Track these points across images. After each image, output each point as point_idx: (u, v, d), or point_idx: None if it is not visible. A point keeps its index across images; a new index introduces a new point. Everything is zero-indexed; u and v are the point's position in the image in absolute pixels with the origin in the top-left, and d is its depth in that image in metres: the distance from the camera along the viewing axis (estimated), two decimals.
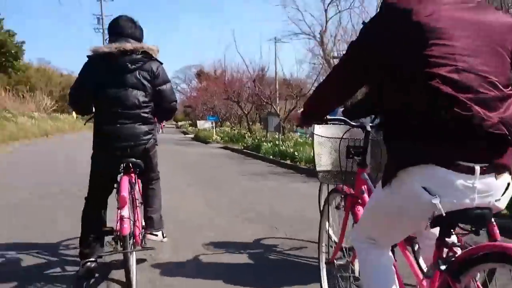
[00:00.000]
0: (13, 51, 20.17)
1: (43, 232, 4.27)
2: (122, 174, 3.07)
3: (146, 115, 3.16)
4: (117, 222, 2.78)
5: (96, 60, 3.12)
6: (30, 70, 30.31)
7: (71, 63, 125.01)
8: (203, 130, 24.26)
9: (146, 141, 3.14)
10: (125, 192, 2.87)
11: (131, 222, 2.86)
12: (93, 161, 3.17)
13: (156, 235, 3.27)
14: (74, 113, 16.34)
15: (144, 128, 3.14)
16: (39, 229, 4.41)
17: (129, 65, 3.09)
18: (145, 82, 3.13)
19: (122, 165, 3.05)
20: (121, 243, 2.77)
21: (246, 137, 17.48)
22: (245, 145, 15.19)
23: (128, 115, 3.07)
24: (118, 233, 2.79)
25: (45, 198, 6.09)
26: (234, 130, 23.28)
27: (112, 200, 3.10)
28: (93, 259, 2.99)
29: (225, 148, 16.57)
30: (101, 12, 42.99)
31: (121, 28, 3.23)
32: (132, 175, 3.12)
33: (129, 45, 3.11)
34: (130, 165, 3.06)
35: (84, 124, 4.27)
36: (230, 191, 6.98)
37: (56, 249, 3.78)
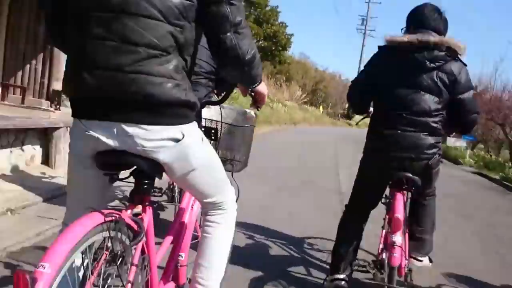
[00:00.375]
0: (283, 42, 22.01)
1: (290, 222, 4.24)
2: (393, 188, 2.62)
3: (435, 125, 2.55)
4: (382, 246, 2.31)
5: (387, 53, 2.67)
6: (292, 62, 33.30)
7: (326, 60, 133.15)
8: (454, 148, 21.74)
9: (430, 156, 2.55)
10: (399, 214, 2.38)
11: (403, 251, 2.36)
12: (362, 167, 2.77)
13: (421, 261, 2.80)
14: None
15: (430, 140, 2.55)
16: (286, 219, 4.40)
17: (428, 63, 2.52)
18: (442, 87, 2.53)
19: (395, 178, 2.56)
20: (381, 270, 2.47)
21: (507, 167, 14.69)
22: (504, 175, 12.71)
23: (414, 122, 2.53)
24: (382, 259, 2.32)
25: (294, 189, 6.23)
26: (491, 155, 20.07)
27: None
28: (343, 277, 2.60)
29: (479, 174, 14.31)
30: (366, 14, 44.02)
31: (424, 18, 2.67)
32: (405, 192, 2.63)
33: (433, 38, 2.53)
34: (405, 180, 2.53)
35: (356, 124, 3.95)
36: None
37: (301, 245, 3.63)
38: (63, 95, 4.93)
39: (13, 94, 4.99)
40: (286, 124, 22.33)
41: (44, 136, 4.67)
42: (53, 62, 4.94)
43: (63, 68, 4.84)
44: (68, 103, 1.48)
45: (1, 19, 4.95)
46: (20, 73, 4.99)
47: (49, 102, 4.94)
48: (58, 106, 5.00)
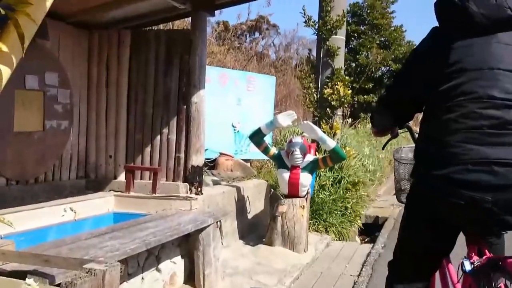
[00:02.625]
0: None
1: None
2: None
3: None
4: None
5: None
6: None
7: None
8: None
9: None
10: None
11: None
12: None
13: None
14: None
15: None
16: None
17: None
18: None
19: None
20: None
21: None
22: None
23: None
24: None
25: None
26: None
27: None
28: None
29: None
30: None
31: None
32: None
33: None
34: None
35: None
36: None
37: None
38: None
39: (141, 179, 3.60)
40: None
41: (185, 240, 3.11)
42: (189, 129, 3.47)
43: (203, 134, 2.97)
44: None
45: (122, 77, 3.67)
46: (148, 149, 3.61)
47: (187, 185, 3.44)
48: (199, 190, 3.48)
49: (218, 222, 3.09)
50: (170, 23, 5.65)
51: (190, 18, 3.60)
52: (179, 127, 3.51)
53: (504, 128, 1.34)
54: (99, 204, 3.39)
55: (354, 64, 17.79)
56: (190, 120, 3.47)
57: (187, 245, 3.03)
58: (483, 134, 1.36)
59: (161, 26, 4.91)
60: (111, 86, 3.68)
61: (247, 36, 14.77)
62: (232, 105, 4.87)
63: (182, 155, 3.50)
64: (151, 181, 3.44)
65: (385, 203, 6.56)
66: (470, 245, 1.60)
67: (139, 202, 3.39)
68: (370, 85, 16.86)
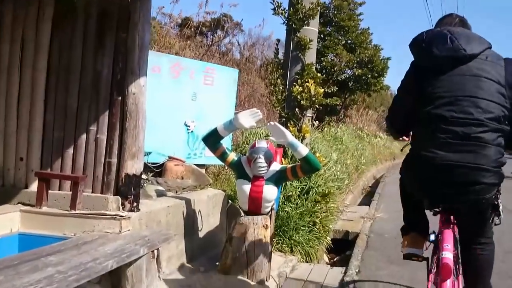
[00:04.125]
0: (379, 67, 19.22)
1: None
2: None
3: None
4: None
5: None
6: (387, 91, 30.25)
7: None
8: None
9: None
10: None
11: None
12: None
13: None
14: None
15: None
16: None
17: None
18: None
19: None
20: None
21: None
22: None
23: None
24: None
25: None
26: None
27: None
28: None
29: None
30: None
31: None
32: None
33: None
34: None
35: None
36: None
37: None
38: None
39: (59, 189, 2.79)
40: (388, 160, 19.23)
41: (108, 275, 2.33)
42: (125, 127, 2.70)
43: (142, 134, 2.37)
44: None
45: (39, 59, 2.84)
46: (70, 151, 2.80)
47: (119, 199, 2.67)
48: (135, 205, 2.72)
49: (156, 251, 2.34)
50: None
51: None
52: (111, 124, 2.73)
53: (463, 139, 1.88)
54: (1, 222, 2.57)
55: (319, 67, 17.35)
56: (125, 116, 2.70)
57: (110, 282, 2.26)
58: (447, 144, 1.90)
59: None
60: (26, 70, 2.86)
61: (209, 33, 13.96)
62: (186, 101, 4.11)
63: (114, 160, 2.72)
64: (71, 194, 2.64)
65: (355, 215, 5.99)
66: (440, 221, 2.22)
67: (54, 221, 2.59)
68: (334, 89, 16.44)
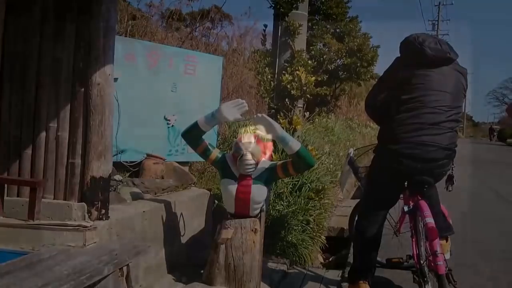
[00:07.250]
0: (368, 56, 18.72)
1: None
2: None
3: None
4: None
5: None
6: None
7: None
8: None
9: None
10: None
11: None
12: None
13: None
14: None
15: None
16: None
17: None
18: None
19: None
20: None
21: None
22: None
23: None
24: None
25: None
26: None
27: None
28: None
29: None
30: (437, 17, 40.62)
31: None
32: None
33: None
34: None
35: None
36: None
37: None
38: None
39: (18, 196, 2.43)
40: None
41: None
42: (90, 123, 2.34)
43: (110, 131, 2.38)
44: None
45: None
46: (28, 151, 2.44)
47: (84, 206, 2.32)
48: (104, 212, 2.37)
49: (125, 268, 2.01)
50: None
51: None
52: (74, 119, 2.37)
53: (436, 125, 2.47)
54: None
55: (308, 56, 16.99)
56: (90, 110, 2.34)
57: None
58: (423, 128, 2.48)
59: None
60: None
61: (197, 25, 13.49)
62: (165, 92, 3.74)
63: (78, 160, 2.37)
64: (29, 202, 2.28)
65: (349, 209, 5.69)
66: (409, 196, 2.76)
67: (9, 233, 2.23)
68: (324, 77, 16.09)
